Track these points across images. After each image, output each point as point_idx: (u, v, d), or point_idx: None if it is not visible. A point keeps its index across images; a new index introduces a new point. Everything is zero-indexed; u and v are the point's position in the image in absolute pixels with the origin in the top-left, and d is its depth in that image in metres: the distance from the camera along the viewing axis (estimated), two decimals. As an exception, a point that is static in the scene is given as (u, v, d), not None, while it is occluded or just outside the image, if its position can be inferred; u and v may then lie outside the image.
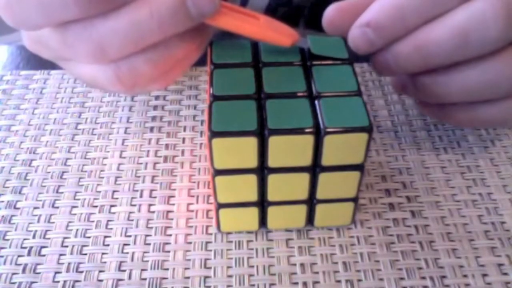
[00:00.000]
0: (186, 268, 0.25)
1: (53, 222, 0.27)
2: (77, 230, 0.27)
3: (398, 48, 0.26)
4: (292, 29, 0.26)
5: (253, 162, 0.23)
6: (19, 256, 0.26)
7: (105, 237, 0.26)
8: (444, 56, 0.25)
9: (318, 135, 0.22)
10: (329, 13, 0.27)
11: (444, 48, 0.25)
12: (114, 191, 0.28)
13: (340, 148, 0.23)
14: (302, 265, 0.25)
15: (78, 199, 0.28)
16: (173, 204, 0.28)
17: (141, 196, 0.28)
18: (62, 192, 0.28)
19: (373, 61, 0.27)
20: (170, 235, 0.26)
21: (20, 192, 0.28)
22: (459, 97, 0.27)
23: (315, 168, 0.23)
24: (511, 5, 0.23)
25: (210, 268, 0.25)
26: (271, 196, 0.24)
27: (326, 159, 0.23)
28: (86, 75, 0.25)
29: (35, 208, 0.28)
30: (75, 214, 0.27)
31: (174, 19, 0.23)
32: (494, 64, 0.25)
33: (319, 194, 0.25)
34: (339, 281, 0.25)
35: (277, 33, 0.25)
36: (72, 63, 0.25)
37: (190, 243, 0.26)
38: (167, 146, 0.31)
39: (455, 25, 0.24)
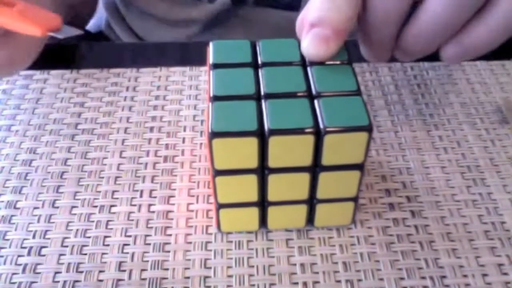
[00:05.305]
0: (186, 268, 0.25)
1: (53, 222, 0.27)
2: (77, 230, 0.27)
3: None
4: (56, 17, 0.24)
5: (253, 162, 0.23)
6: (19, 256, 0.26)
7: (105, 237, 0.26)
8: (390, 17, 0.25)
9: (318, 134, 0.22)
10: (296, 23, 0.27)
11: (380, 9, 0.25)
12: (114, 191, 0.28)
13: (340, 147, 0.23)
14: (302, 265, 0.25)
15: (78, 199, 0.28)
16: (173, 204, 0.28)
17: (141, 196, 0.28)
18: (62, 192, 0.28)
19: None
20: (170, 235, 0.26)
21: (20, 192, 0.28)
22: (437, 32, 0.26)
23: (315, 168, 0.23)
24: None
25: (210, 268, 0.25)
26: (271, 196, 0.24)
27: (326, 159, 0.23)
28: None
29: (35, 208, 0.28)
30: (75, 214, 0.27)
31: None
32: None
33: (319, 194, 0.25)
34: (339, 281, 0.25)
35: (28, 22, 0.23)
36: None
37: (190, 243, 0.26)
38: (167, 146, 0.31)
39: None
